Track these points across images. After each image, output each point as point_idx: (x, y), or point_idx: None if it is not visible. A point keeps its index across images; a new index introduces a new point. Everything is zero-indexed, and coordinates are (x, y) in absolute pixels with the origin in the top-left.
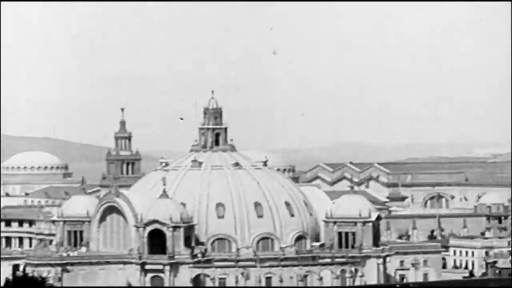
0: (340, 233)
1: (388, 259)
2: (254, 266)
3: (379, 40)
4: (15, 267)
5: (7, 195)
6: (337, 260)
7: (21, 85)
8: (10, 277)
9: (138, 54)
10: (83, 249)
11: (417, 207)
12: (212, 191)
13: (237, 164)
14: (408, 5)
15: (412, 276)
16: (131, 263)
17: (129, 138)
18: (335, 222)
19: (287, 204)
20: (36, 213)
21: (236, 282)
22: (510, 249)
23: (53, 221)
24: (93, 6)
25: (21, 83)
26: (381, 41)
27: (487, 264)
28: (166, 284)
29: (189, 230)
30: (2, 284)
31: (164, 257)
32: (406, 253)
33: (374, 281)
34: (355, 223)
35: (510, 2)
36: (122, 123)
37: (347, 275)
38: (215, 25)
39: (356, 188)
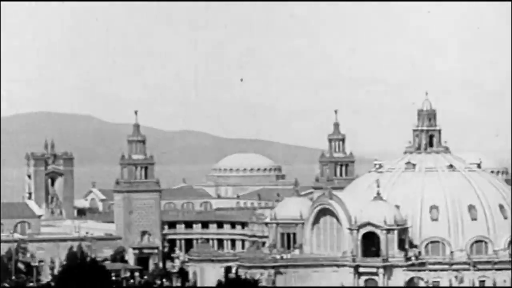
0: None
1: None
2: (468, 270)
3: None
4: (228, 269)
5: (219, 197)
6: None
7: (234, 90)
8: (223, 279)
9: (351, 54)
10: (296, 251)
11: None
12: (425, 194)
13: (451, 166)
14: None
15: None
16: (344, 265)
17: (342, 140)
18: None
19: (501, 207)
20: (249, 215)
21: (450, 285)
22: None
23: (266, 223)
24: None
25: (233, 87)
26: None
27: None
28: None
29: (403, 233)
30: (215, 285)
31: (377, 260)
32: None
33: None
34: None
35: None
36: (336, 125)
37: None
38: (433, 25)
39: None
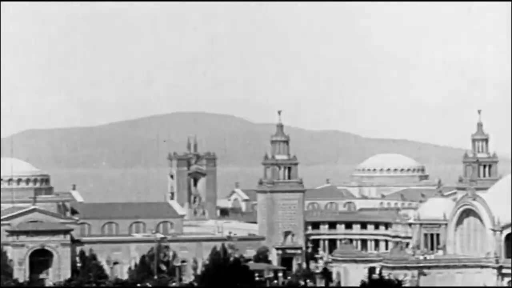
0: None
1: None
2: None
3: None
4: (371, 270)
5: (364, 197)
6: None
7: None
8: (366, 280)
9: (497, 54)
10: (440, 252)
11: None
12: None
13: None
14: None
15: None
16: (488, 266)
17: (486, 140)
18: None
19: None
20: (393, 215)
21: None
22: None
23: (410, 224)
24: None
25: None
26: None
27: None
28: None
29: None
30: (359, 286)
31: None
32: None
33: None
34: None
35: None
36: (480, 125)
37: None
38: None
39: None
